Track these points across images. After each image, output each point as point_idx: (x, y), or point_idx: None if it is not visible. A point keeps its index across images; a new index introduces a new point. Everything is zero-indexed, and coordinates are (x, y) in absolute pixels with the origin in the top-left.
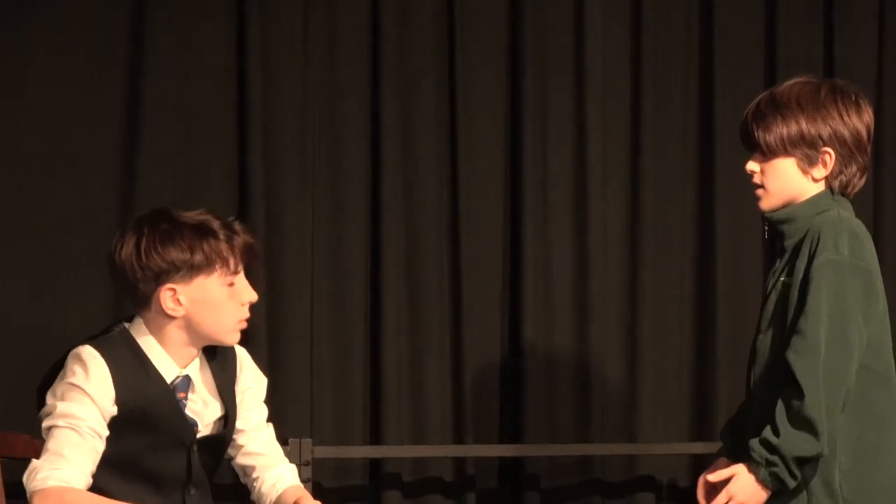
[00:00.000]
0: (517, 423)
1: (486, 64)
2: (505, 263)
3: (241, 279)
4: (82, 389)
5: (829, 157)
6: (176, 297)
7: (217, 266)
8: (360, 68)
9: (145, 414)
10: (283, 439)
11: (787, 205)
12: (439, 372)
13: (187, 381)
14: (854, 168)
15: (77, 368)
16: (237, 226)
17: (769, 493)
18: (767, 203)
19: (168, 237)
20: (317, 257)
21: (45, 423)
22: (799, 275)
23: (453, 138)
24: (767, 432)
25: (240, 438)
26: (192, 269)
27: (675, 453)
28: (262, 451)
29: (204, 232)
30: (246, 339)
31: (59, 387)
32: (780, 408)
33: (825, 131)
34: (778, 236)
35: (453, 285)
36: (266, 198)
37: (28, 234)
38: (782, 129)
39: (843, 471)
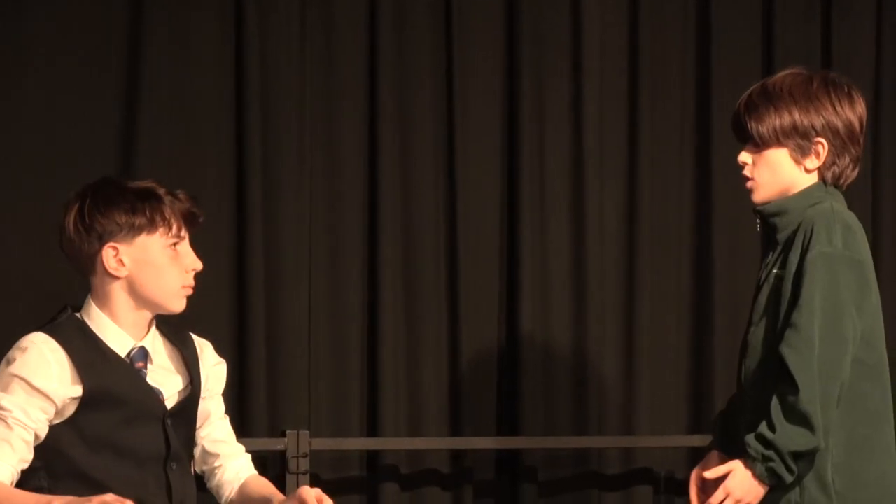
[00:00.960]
0: (514, 416)
1: (483, 57)
2: (502, 257)
3: (185, 245)
4: (19, 377)
5: (822, 147)
6: (118, 256)
7: (159, 227)
8: (357, 63)
9: (109, 390)
10: (280, 431)
11: (779, 197)
12: (436, 364)
13: (143, 352)
14: (847, 159)
15: (16, 356)
16: (182, 194)
17: (766, 488)
18: (759, 195)
19: (111, 199)
20: (314, 250)
21: None
22: (792, 267)
23: (450, 132)
24: (763, 428)
25: (206, 427)
26: (134, 229)
27: (673, 446)
28: (225, 440)
29: (146, 195)
30: (243, 329)
31: None
32: (774, 403)
33: (818, 122)
34: (770, 229)
35: (450, 278)
36: (263, 193)
37: (26, 232)
38: (775, 120)
39: (836, 464)
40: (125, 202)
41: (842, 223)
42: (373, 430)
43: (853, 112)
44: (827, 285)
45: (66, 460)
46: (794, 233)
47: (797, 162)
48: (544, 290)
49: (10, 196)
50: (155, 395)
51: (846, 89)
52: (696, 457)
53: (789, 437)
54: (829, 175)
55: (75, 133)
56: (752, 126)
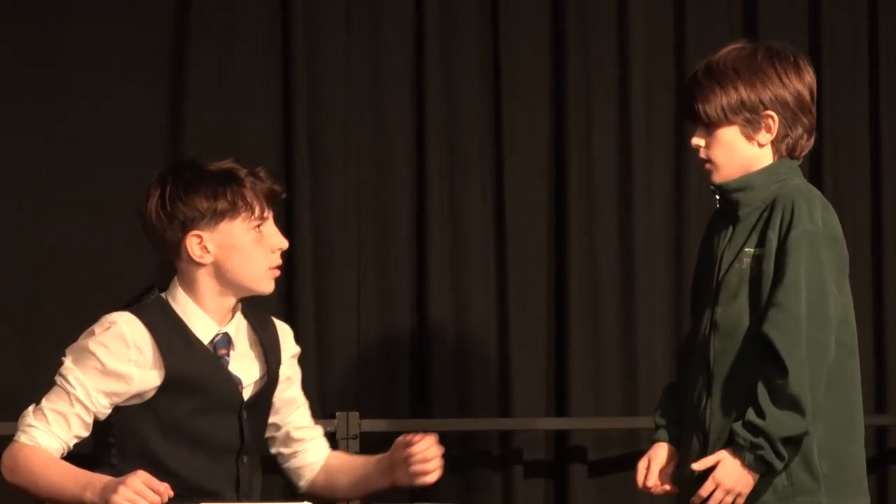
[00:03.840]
0: (564, 396)
1: (529, 37)
2: (550, 240)
3: (269, 225)
4: (95, 356)
5: (773, 120)
6: (203, 244)
7: (241, 211)
8: (403, 40)
9: (190, 376)
10: (330, 413)
11: (740, 175)
12: (485, 344)
13: (227, 338)
14: (800, 130)
15: (98, 332)
16: (262, 173)
17: (756, 476)
18: (720, 176)
19: (191, 185)
20: (362, 230)
21: (57, 373)
22: (771, 245)
23: (497, 117)
24: (751, 415)
25: (293, 413)
26: (217, 215)
27: None
28: (308, 425)
29: (227, 178)
30: (292, 311)
31: (77, 347)
32: (761, 388)
33: (766, 95)
34: (731, 205)
35: (499, 260)
36: (311, 172)
37: (74, 210)
38: (722, 99)
39: (821, 447)
40: (205, 187)
41: (820, 200)
42: (422, 411)
43: (801, 82)
44: (811, 264)
45: (139, 442)
46: (770, 210)
47: (749, 138)
48: (592, 272)
49: (55, 171)
50: (234, 385)
51: (792, 59)
52: None
53: (779, 422)
54: (783, 148)
55: (123, 106)
56: (700, 107)
